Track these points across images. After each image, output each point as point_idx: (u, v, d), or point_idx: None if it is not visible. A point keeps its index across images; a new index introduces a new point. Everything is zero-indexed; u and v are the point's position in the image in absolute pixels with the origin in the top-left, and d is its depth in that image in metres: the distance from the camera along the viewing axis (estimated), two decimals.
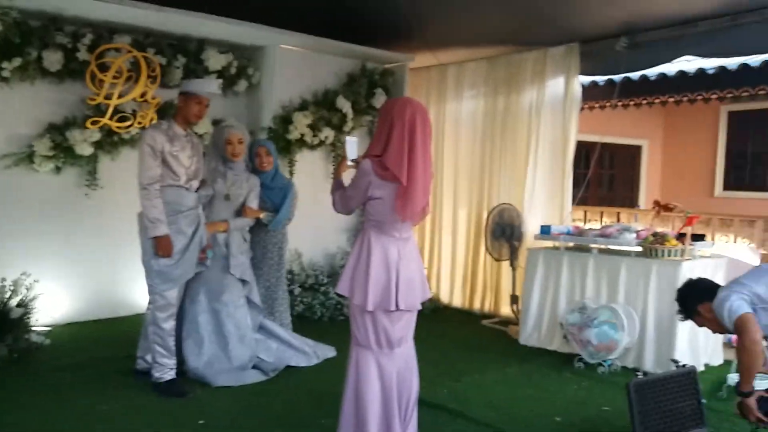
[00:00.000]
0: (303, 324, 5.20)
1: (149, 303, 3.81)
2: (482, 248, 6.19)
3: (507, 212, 5.77)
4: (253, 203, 4.19)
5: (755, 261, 5.70)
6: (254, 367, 4.07)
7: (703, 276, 4.50)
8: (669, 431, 3.09)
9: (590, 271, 4.86)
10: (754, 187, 9.07)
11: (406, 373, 2.91)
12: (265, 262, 4.43)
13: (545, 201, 5.91)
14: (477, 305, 6.49)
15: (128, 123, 4.96)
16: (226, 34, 5.34)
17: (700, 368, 4.46)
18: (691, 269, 4.43)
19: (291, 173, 5.56)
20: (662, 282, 4.46)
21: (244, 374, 3.97)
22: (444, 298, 6.77)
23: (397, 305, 2.78)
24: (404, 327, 2.90)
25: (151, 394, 3.68)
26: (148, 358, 3.82)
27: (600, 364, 4.49)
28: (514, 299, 5.80)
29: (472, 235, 6.48)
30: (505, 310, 6.17)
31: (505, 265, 6.02)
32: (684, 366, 3.36)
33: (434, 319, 6.13)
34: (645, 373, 3.20)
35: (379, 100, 5.99)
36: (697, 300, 2.90)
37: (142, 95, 4.99)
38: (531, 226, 5.75)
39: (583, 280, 4.90)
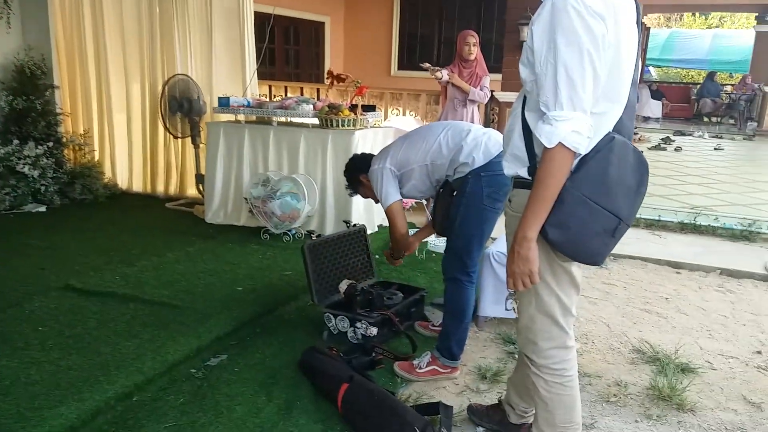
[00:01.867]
0: None
1: None
2: (161, 125, 5.68)
3: (183, 84, 5.32)
4: None
5: None
6: None
7: (373, 143, 4.86)
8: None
9: (272, 144, 4.81)
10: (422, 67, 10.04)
11: None
12: None
13: (226, 73, 5.61)
14: (161, 188, 6.06)
15: None
16: None
17: (375, 229, 4.85)
18: (363, 138, 4.66)
19: None
20: (338, 151, 4.62)
21: None
22: (122, 183, 6.17)
23: None
24: None
25: None
26: None
27: (285, 234, 4.58)
28: (199, 178, 5.53)
29: (148, 111, 5.88)
30: (192, 191, 5.88)
31: (188, 142, 5.65)
32: (355, 226, 3.55)
33: (111, 206, 5.57)
34: (319, 235, 3.28)
35: None
36: (357, 170, 3.01)
37: None
38: (212, 100, 5.44)
39: (266, 153, 4.84)
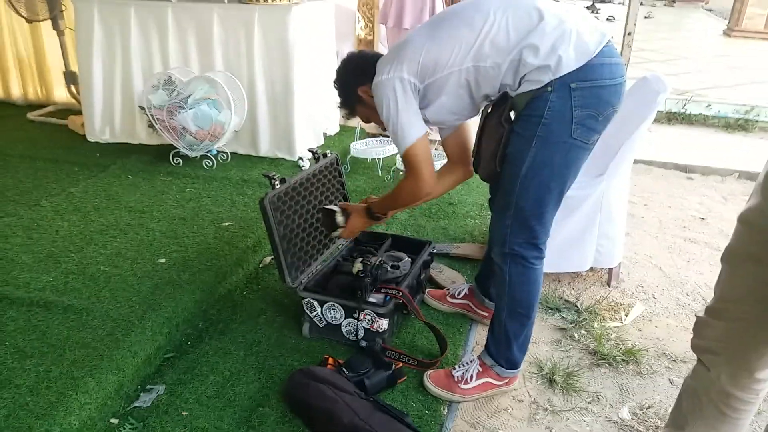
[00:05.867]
0: None
1: None
2: (3, 5, 4.07)
3: None
4: None
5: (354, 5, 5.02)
6: None
7: (315, 25, 3.62)
8: (317, 245, 2.27)
9: (171, 28, 3.46)
10: None
11: None
12: None
13: None
14: (17, 92, 4.56)
15: None
16: None
17: (320, 141, 3.76)
18: (302, 16, 3.41)
19: None
20: (270, 37, 3.36)
21: None
22: None
23: None
24: None
25: None
26: None
27: (204, 157, 3.38)
28: (69, 78, 4.07)
29: None
30: (61, 94, 4.42)
31: (47, 27, 4.10)
32: (325, 156, 2.45)
33: None
34: (283, 180, 2.17)
35: None
36: (356, 80, 1.85)
37: None
38: None
39: (164, 41, 3.49)
